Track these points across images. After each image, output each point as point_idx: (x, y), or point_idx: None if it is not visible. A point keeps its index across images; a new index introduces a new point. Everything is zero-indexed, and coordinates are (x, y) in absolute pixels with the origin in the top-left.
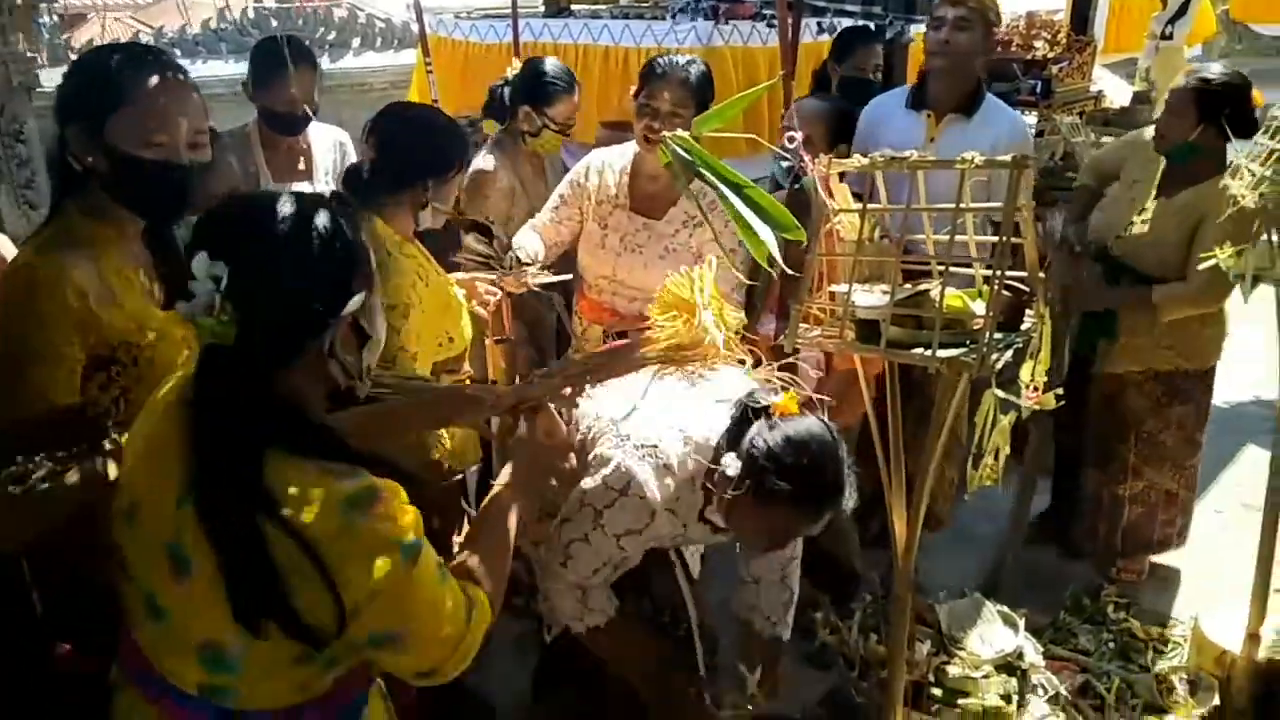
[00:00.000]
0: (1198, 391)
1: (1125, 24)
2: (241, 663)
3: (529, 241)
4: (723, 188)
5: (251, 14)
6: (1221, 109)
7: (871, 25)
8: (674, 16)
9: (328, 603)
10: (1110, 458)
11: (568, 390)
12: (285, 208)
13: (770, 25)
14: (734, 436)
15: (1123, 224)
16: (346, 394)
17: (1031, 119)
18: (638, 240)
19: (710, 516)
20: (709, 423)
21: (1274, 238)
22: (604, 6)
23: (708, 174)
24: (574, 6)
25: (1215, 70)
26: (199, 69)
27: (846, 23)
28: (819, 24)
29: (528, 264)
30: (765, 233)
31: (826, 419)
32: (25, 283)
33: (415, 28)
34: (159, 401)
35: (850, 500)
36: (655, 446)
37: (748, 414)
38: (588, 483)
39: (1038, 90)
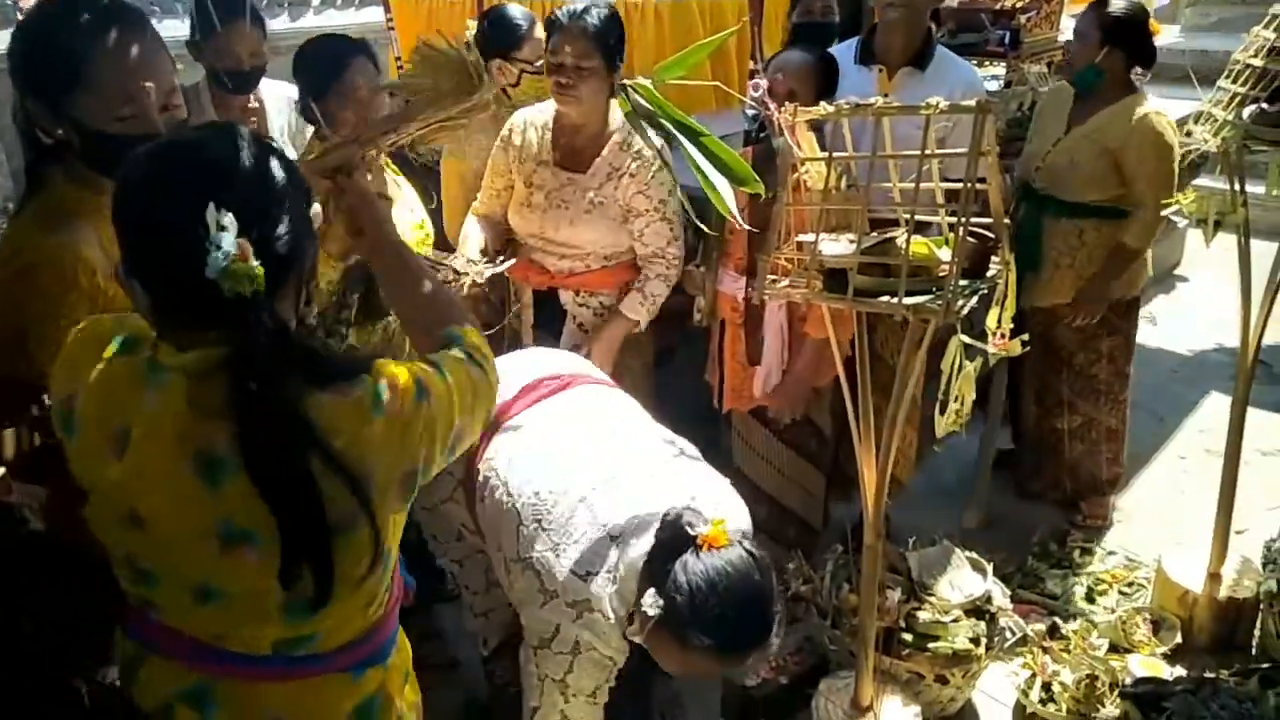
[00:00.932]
0: (1124, 322)
1: None
2: (332, 595)
3: (472, 234)
4: (681, 138)
5: None
6: (1123, 33)
7: None
8: None
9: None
10: (1046, 392)
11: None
12: (241, 141)
13: None
14: (658, 568)
15: (1041, 156)
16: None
17: (1000, 69)
18: (563, 196)
19: (631, 637)
20: (639, 545)
21: (1235, 183)
22: None
23: (667, 123)
24: None
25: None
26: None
27: None
28: None
29: (465, 272)
30: (723, 184)
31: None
32: (32, 264)
33: None
34: (117, 386)
35: (777, 637)
36: (586, 601)
37: (674, 538)
38: (536, 654)
39: (1006, 40)
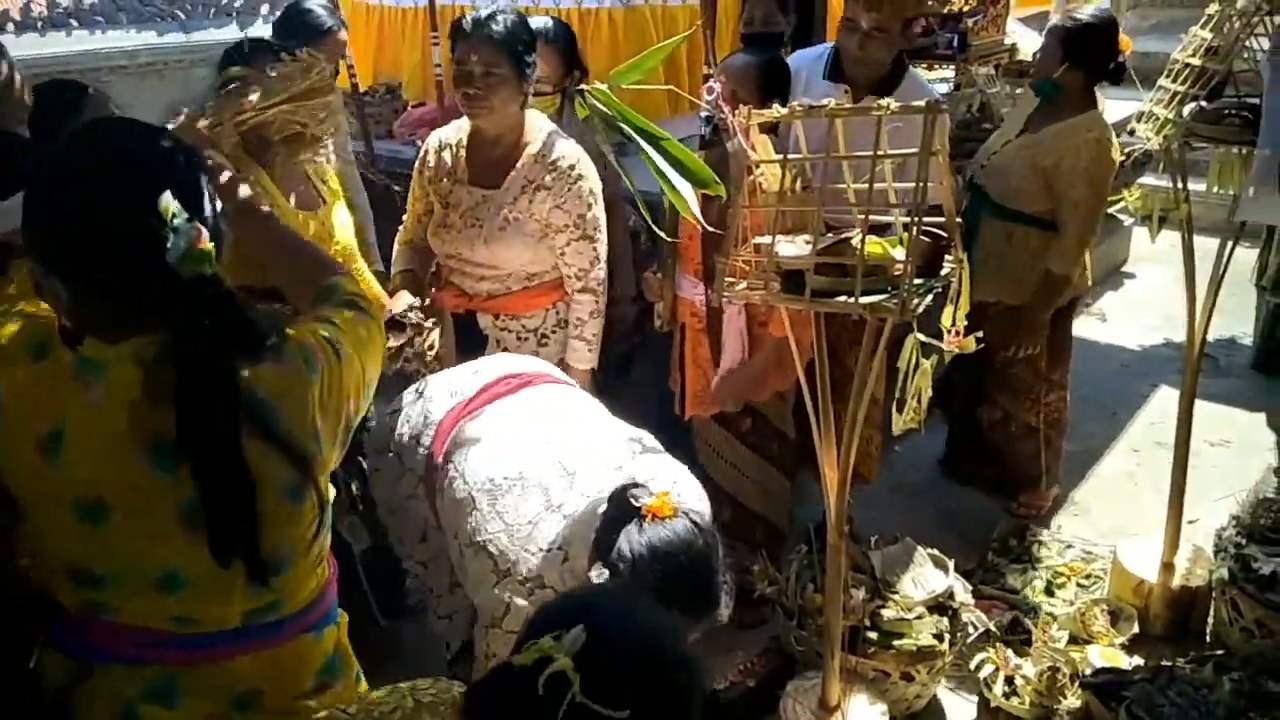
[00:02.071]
0: (1050, 329)
1: None
2: (288, 560)
3: (397, 266)
4: (641, 141)
5: None
6: (1085, 50)
7: None
8: None
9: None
10: (971, 382)
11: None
12: (149, 129)
13: None
14: (604, 541)
15: (989, 154)
16: None
17: (949, 72)
18: (477, 214)
19: None
20: (589, 523)
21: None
22: None
23: (626, 127)
24: None
25: (1086, 12)
26: (98, 40)
27: None
28: None
29: (420, 324)
30: (684, 187)
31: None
32: None
33: None
34: (39, 391)
35: (727, 608)
36: (539, 578)
37: (621, 511)
38: (487, 634)
39: (954, 44)
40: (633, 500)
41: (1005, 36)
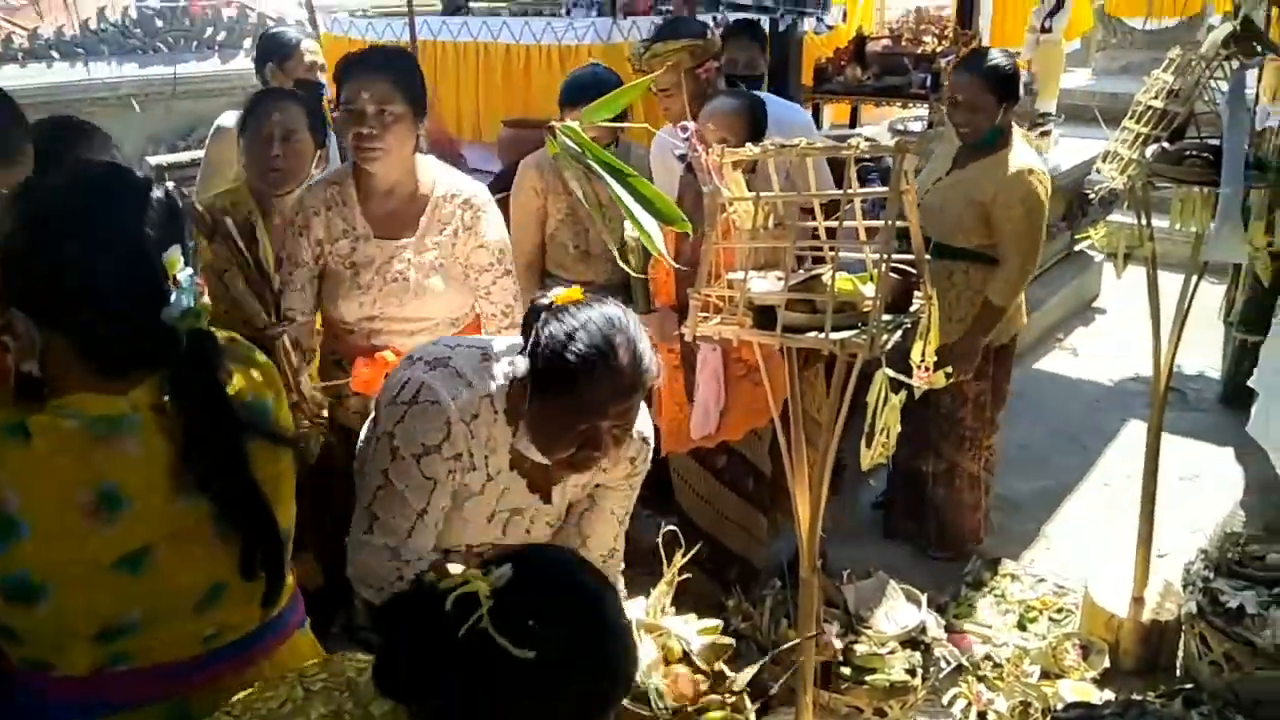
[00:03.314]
0: (994, 368)
1: (1008, 19)
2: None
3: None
4: (609, 179)
5: (134, 14)
6: (1015, 89)
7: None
8: (568, 13)
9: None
10: (915, 433)
11: None
12: (151, 186)
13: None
14: (525, 342)
15: (921, 194)
16: None
17: (923, 110)
18: (395, 268)
19: (521, 449)
20: (506, 341)
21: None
22: (502, 4)
23: (595, 164)
24: (472, 4)
25: (997, 56)
26: (79, 72)
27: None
28: (714, 19)
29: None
30: (650, 224)
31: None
32: None
33: (310, 28)
34: (67, 457)
35: (656, 378)
36: (448, 359)
37: (534, 313)
38: (381, 410)
39: (927, 84)
40: (543, 299)
41: None
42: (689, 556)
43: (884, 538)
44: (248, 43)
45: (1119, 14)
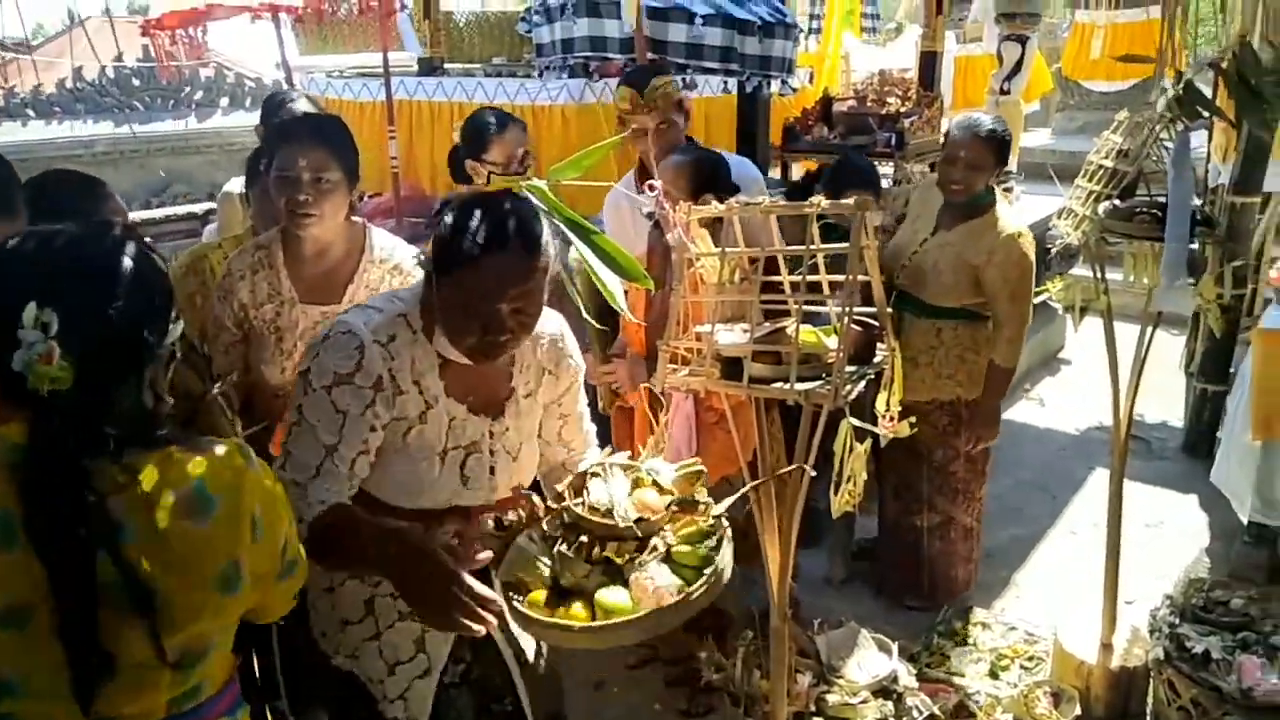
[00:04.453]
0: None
1: (969, 81)
2: (213, 647)
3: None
4: (573, 236)
5: (111, 73)
6: (1006, 152)
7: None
8: (541, 74)
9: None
10: (906, 489)
11: None
12: (102, 243)
13: None
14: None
15: (907, 255)
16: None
17: (888, 169)
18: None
19: (442, 351)
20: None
21: (1096, 271)
22: (477, 65)
23: (560, 222)
24: (447, 65)
25: (989, 120)
26: (53, 130)
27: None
28: (682, 80)
29: None
30: (613, 280)
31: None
32: None
33: (286, 88)
34: None
35: (551, 249)
36: (361, 305)
37: (438, 210)
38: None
39: (892, 142)
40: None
41: (939, 136)
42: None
43: (873, 591)
44: (225, 101)
45: (1076, 77)
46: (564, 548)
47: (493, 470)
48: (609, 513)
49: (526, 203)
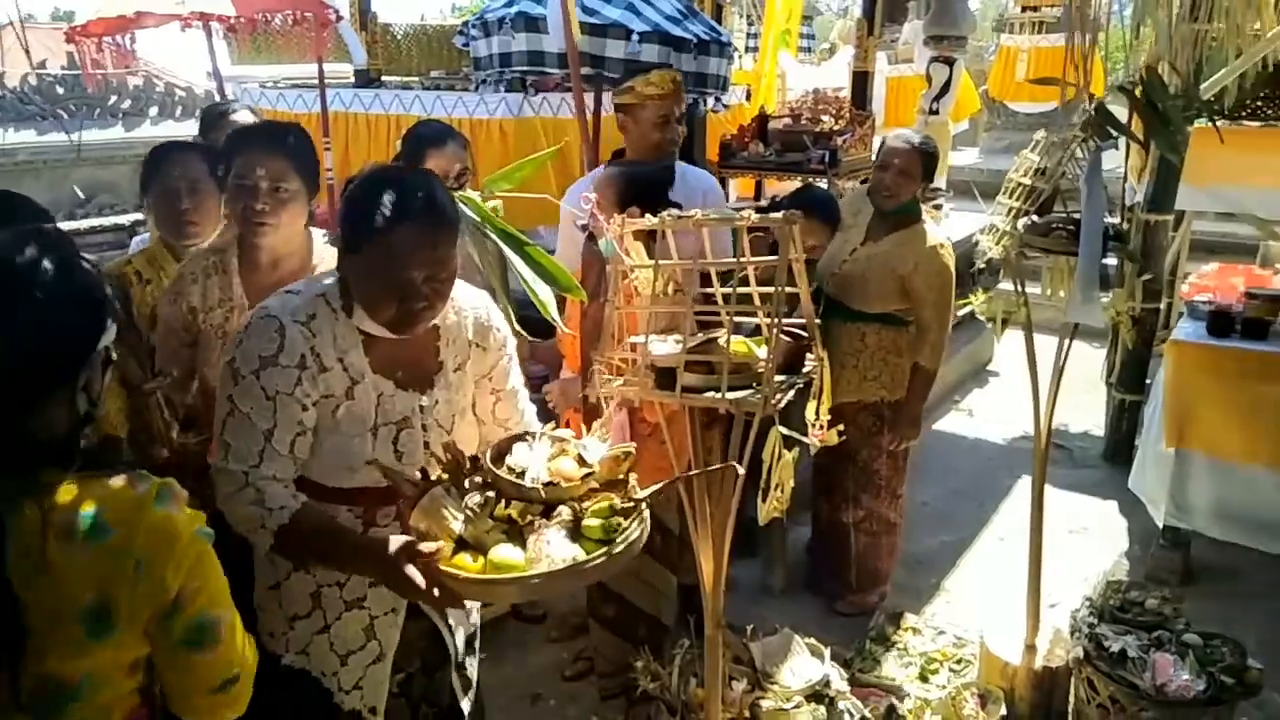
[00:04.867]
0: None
1: (901, 100)
2: (82, 691)
3: None
4: (505, 247)
5: (34, 81)
6: (933, 167)
7: None
8: (478, 88)
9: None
10: (834, 487)
11: None
12: (23, 250)
13: None
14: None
15: (837, 264)
16: (86, 419)
17: (822, 185)
18: None
19: (363, 327)
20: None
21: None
22: (415, 78)
23: (493, 233)
24: (385, 77)
25: (920, 136)
26: None
27: None
28: None
29: None
30: (544, 290)
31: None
32: None
33: (219, 98)
34: None
35: (451, 212)
36: (280, 292)
37: (345, 186)
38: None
39: (826, 160)
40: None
41: (872, 153)
42: (598, 616)
43: (810, 596)
44: (154, 111)
45: (1002, 98)
46: (473, 502)
47: (427, 445)
48: (522, 474)
49: (430, 174)
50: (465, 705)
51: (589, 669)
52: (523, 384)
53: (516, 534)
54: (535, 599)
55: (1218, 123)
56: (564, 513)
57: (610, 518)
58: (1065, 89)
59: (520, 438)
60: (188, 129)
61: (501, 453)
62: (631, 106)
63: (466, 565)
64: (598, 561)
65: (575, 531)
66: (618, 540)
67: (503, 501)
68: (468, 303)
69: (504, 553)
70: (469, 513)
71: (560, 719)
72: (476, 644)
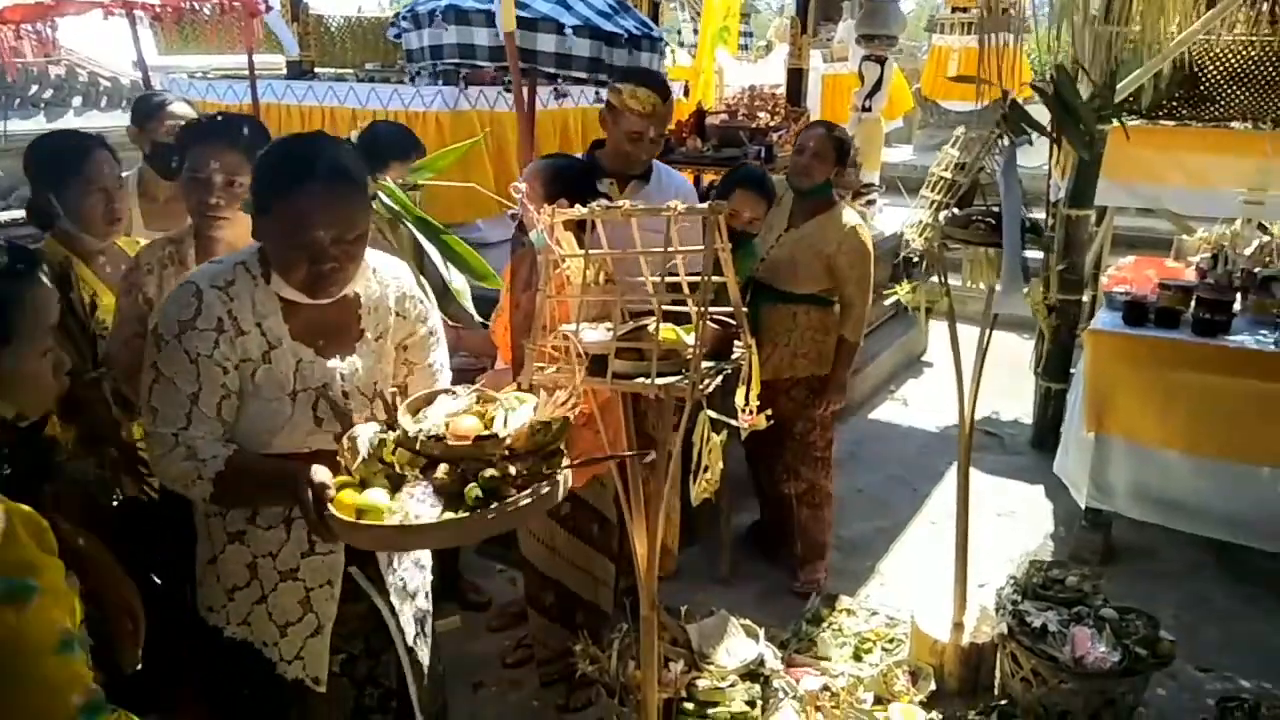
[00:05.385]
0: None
1: (835, 98)
2: None
3: None
4: (421, 237)
5: None
6: (847, 154)
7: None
8: (413, 80)
9: None
10: (774, 462)
11: None
12: None
13: (511, 90)
14: None
15: (764, 250)
16: None
17: None
18: None
19: (281, 292)
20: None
21: (938, 276)
22: (349, 70)
23: (409, 223)
24: (318, 69)
25: (838, 125)
26: None
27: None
28: (555, 90)
29: None
30: (460, 280)
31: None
32: None
33: (145, 88)
34: None
35: (356, 173)
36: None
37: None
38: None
39: (762, 155)
40: None
41: None
42: (536, 604)
43: (748, 574)
44: (78, 101)
45: (934, 97)
46: (370, 445)
47: (348, 412)
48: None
49: (335, 139)
50: (413, 691)
51: (529, 656)
52: (447, 365)
53: (399, 482)
54: (393, 550)
55: (1134, 121)
56: (440, 470)
57: (490, 485)
58: (980, 88)
59: (448, 391)
60: (114, 120)
61: (427, 401)
62: (613, 108)
63: (341, 504)
64: (451, 527)
65: (456, 492)
66: (477, 510)
67: (392, 446)
68: (390, 274)
69: (371, 496)
70: (365, 454)
71: (502, 705)
72: (429, 628)
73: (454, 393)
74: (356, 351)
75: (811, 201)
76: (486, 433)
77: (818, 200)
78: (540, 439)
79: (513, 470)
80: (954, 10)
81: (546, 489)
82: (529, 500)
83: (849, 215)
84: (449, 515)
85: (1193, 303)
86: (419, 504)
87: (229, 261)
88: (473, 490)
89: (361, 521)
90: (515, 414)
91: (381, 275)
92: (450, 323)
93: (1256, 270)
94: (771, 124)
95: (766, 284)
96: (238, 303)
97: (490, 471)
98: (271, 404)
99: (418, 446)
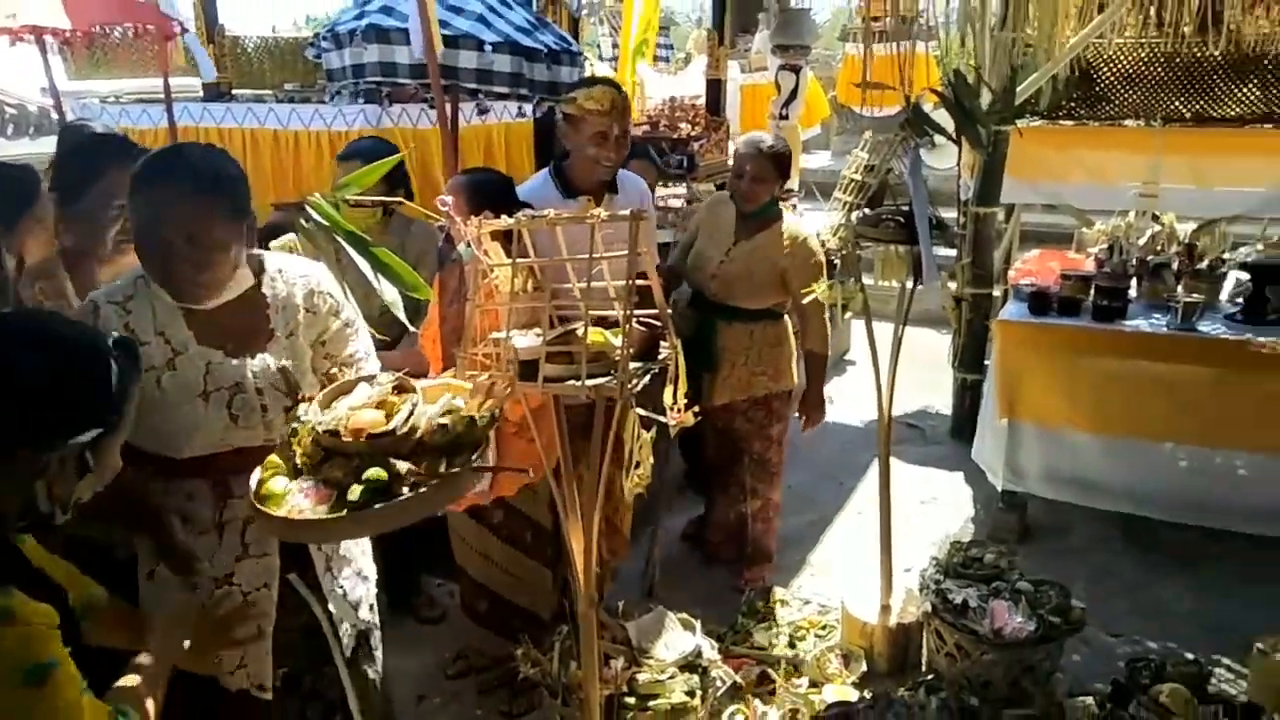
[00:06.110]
0: (786, 409)
1: (754, 107)
2: None
3: None
4: (350, 249)
5: None
6: (787, 168)
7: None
8: (334, 99)
9: None
10: (730, 482)
11: None
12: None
13: (434, 107)
14: None
15: (714, 266)
16: (44, 520)
17: (681, 189)
18: None
19: (174, 300)
20: None
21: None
22: (268, 91)
23: (339, 236)
24: (235, 91)
25: (770, 138)
26: None
27: (503, 105)
28: (477, 106)
29: None
30: (390, 291)
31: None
32: None
33: (56, 115)
34: None
35: (220, 185)
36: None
37: None
38: None
39: (684, 164)
40: None
41: (727, 158)
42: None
43: (687, 573)
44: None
45: (849, 104)
46: (284, 435)
47: (265, 409)
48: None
49: (220, 153)
50: (354, 704)
51: (468, 669)
52: (372, 354)
53: (298, 472)
54: (299, 540)
55: (1035, 122)
56: (333, 465)
57: (379, 485)
58: (886, 94)
59: (370, 379)
60: (22, 148)
61: (345, 390)
62: (572, 118)
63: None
64: (332, 525)
65: (349, 483)
66: (353, 512)
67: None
68: (297, 273)
69: (274, 485)
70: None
71: (445, 716)
72: (373, 642)
73: (376, 381)
74: (268, 350)
75: (756, 220)
76: (380, 430)
77: (764, 217)
78: (439, 439)
79: (402, 469)
80: (863, 21)
81: (427, 490)
82: (408, 500)
83: (797, 225)
84: (331, 515)
85: (1091, 291)
86: (299, 499)
87: (130, 277)
88: (355, 489)
89: (262, 508)
90: (423, 410)
91: (288, 275)
92: (379, 335)
93: (1149, 259)
94: (693, 134)
95: (721, 302)
96: (134, 315)
97: (376, 472)
98: (183, 408)
99: (313, 440)
